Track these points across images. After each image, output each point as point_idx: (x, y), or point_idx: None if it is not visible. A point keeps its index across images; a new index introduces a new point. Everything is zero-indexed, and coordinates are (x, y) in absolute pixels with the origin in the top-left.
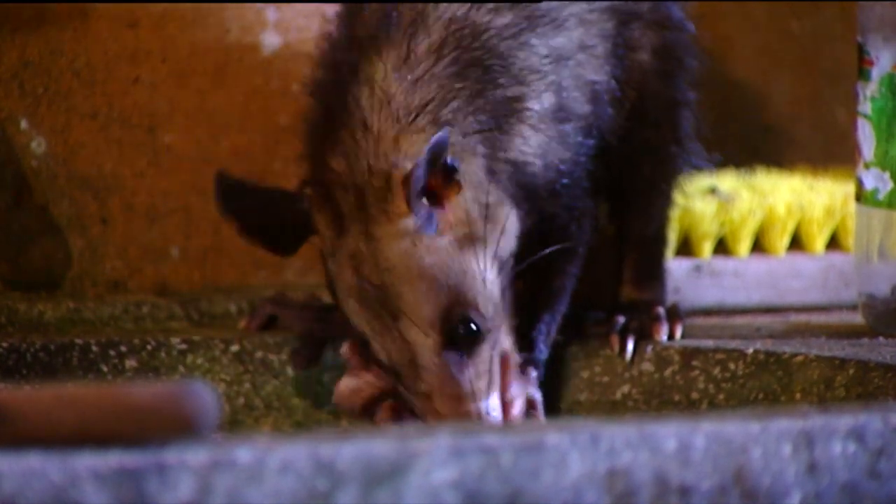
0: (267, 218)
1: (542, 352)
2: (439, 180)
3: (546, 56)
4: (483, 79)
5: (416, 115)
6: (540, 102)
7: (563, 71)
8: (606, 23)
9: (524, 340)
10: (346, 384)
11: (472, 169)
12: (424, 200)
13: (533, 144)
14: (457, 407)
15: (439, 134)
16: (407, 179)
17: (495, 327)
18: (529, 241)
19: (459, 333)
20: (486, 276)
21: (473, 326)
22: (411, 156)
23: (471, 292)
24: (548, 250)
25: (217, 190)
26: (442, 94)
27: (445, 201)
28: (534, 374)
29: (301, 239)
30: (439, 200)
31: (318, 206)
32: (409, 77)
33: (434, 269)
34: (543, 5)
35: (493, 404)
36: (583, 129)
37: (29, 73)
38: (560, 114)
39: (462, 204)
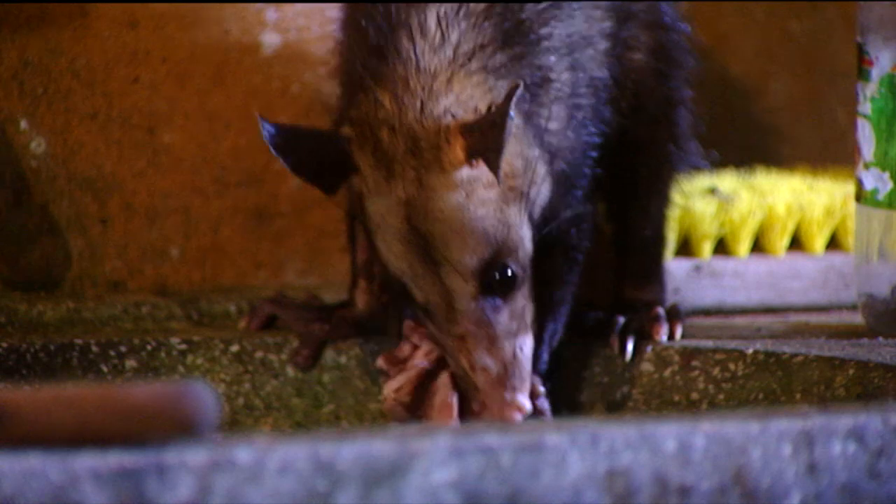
0: (310, 157)
1: (546, 363)
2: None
3: (564, 40)
4: (524, 42)
5: (470, 58)
6: (560, 80)
7: (576, 56)
8: (606, 21)
9: None
10: (389, 387)
11: (520, 122)
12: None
13: (555, 123)
14: (490, 348)
15: (519, 86)
16: (469, 129)
17: (528, 277)
18: (540, 228)
19: (496, 280)
20: (523, 229)
21: (510, 273)
22: (463, 101)
23: (512, 243)
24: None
25: (266, 132)
26: (493, 46)
27: None
28: (542, 388)
29: (342, 177)
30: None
31: (361, 145)
32: (462, 25)
33: (483, 221)
34: None
35: (526, 343)
36: (589, 121)
37: (29, 74)
38: (573, 100)
39: (509, 157)
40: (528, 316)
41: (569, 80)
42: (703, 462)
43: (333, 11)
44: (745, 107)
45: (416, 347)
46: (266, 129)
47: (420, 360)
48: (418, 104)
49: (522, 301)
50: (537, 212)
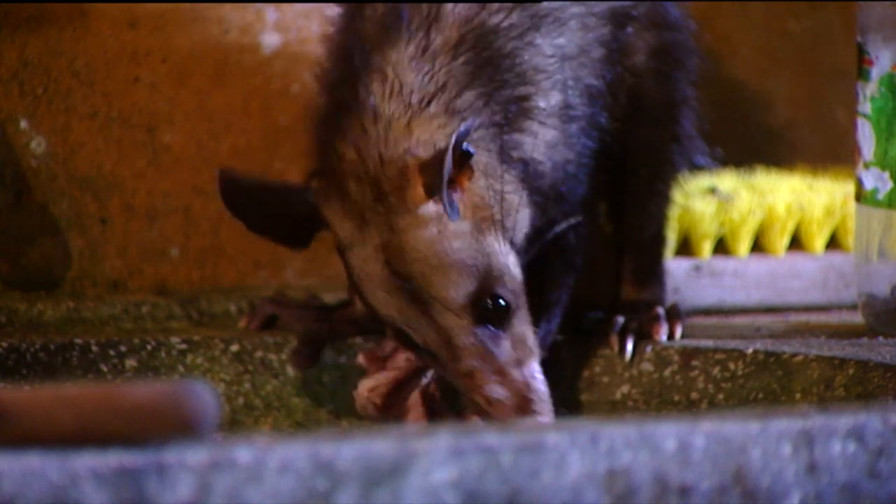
0: (274, 213)
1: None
2: (455, 167)
3: (551, 56)
4: (495, 77)
5: (430, 102)
6: (547, 100)
7: (567, 70)
8: (604, 27)
9: None
10: (364, 385)
11: (483, 158)
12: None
13: (541, 143)
14: (500, 379)
15: (467, 122)
16: (425, 167)
17: (522, 303)
18: (529, 249)
19: (490, 310)
20: (506, 256)
21: (502, 302)
22: (423, 142)
23: (496, 270)
24: (559, 228)
25: (221, 187)
26: (456, 86)
27: (460, 187)
28: None
29: (311, 232)
30: (454, 186)
31: (330, 198)
32: (424, 67)
33: (461, 252)
34: (546, 5)
35: (535, 369)
36: (584, 131)
37: (28, 73)
38: (566, 112)
39: (477, 190)
40: (531, 341)
41: (559, 99)
42: (703, 462)
43: (333, 11)
44: (744, 107)
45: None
46: (222, 184)
47: (401, 363)
48: (377, 152)
49: (521, 327)
50: (519, 237)
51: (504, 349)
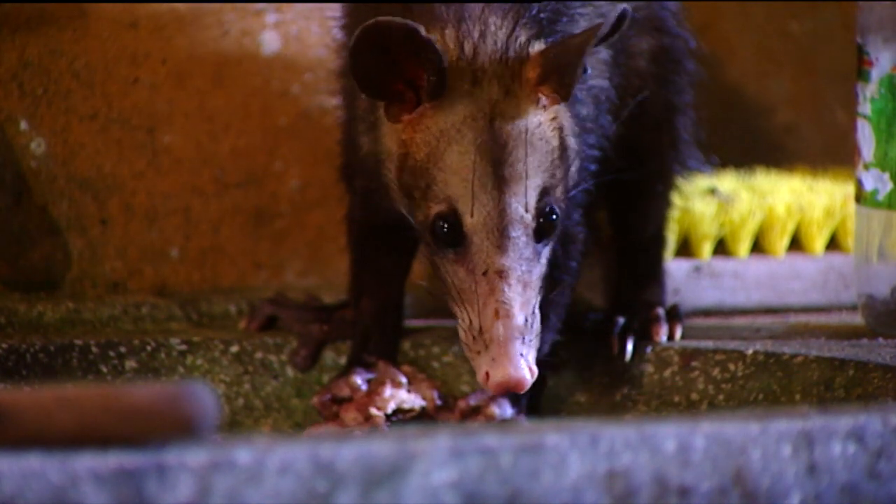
0: (388, 56)
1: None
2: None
3: None
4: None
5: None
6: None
7: None
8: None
9: None
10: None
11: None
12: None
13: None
14: (522, 293)
15: (602, 24)
16: (547, 53)
17: (554, 237)
18: None
19: (543, 220)
20: (568, 182)
21: (554, 216)
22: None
23: (559, 186)
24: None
25: (366, 34)
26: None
27: (557, 94)
28: (507, 410)
29: (398, 82)
30: (552, 90)
31: (447, 48)
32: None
33: (550, 144)
34: (564, 3)
35: (538, 311)
36: (586, 134)
37: (28, 74)
38: (573, 108)
39: (567, 114)
40: (537, 291)
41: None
42: (703, 463)
43: (333, 12)
44: (744, 107)
45: (355, 391)
46: (371, 31)
47: (350, 419)
48: (497, 32)
49: (545, 266)
50: (569, 183)
51: (536, 270)
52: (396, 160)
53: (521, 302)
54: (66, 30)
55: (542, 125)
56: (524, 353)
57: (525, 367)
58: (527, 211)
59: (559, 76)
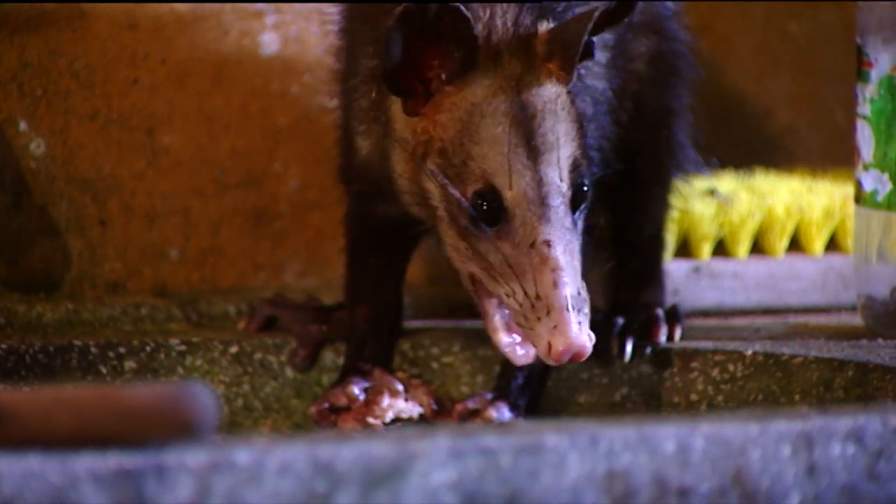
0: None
1: (519, 390)
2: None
3: None
4: None
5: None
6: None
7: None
8: (607, 33)
9: (502, 375)
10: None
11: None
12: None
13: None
14: (570, 262)
15: (598, 9)
16: (558, 32)
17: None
18: None
19: (576, 189)
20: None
21: (585, 188)
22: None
23: (587, 161)
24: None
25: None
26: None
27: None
28: (506, 413)
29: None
30: (560, 67)
31: (477, 22)
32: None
33: (576, 124)
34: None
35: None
36: (586, 136)
37: (28, 75)
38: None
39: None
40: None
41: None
42: (703, 463)
43: (332, 13)
44: (743, 108)
45: (353, 400)
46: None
47: (349, 428)
48: (504, 15)
49: (580, 237)
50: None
51: (576, 239)
52: (417, 150)
53: (572, 271)
54: (66, 30)
55: (562, 97)
56: (581, 321)
57: (586, 335)
58: (561, 180)
59: (564, 53)
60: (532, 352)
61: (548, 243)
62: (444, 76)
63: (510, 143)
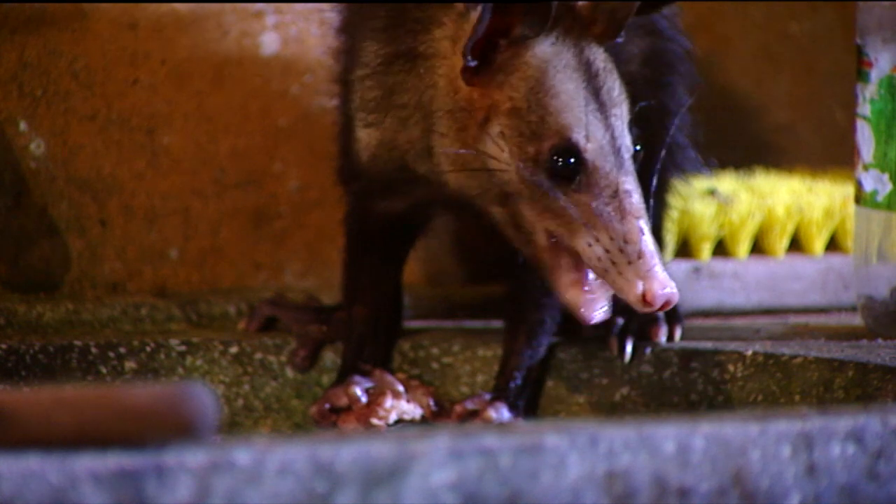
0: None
1: (519, 382)
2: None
3: None
4: None
5: None
6: None
7: None
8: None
9: (501, 375)
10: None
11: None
12: None
13: None
14: (643, 209)
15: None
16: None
17: None
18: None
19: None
20: None
21: (637, 146)
22: None
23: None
24: None
25: None
26: None
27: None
28: (505, 414)
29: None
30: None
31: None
32: None
33: (623, 84)
34: None
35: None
36: None
37: (28, 75)
38: None
39: None
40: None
41: None
42: (703, 463)
43: (332, 13)
44: (744, 108)
45: (355, 401)
46: None
47: (351, 429)
48: None
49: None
50: None
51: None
52: (476, 116)
53: (648, 223)
54: (66, 30)
55: (609, 60)
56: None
57: (670, 286)
58: (625, 135)
59: (610, 18)
60: (604, 309)
61: (628, 192)
62: (509, 40)
63: (585, 98)
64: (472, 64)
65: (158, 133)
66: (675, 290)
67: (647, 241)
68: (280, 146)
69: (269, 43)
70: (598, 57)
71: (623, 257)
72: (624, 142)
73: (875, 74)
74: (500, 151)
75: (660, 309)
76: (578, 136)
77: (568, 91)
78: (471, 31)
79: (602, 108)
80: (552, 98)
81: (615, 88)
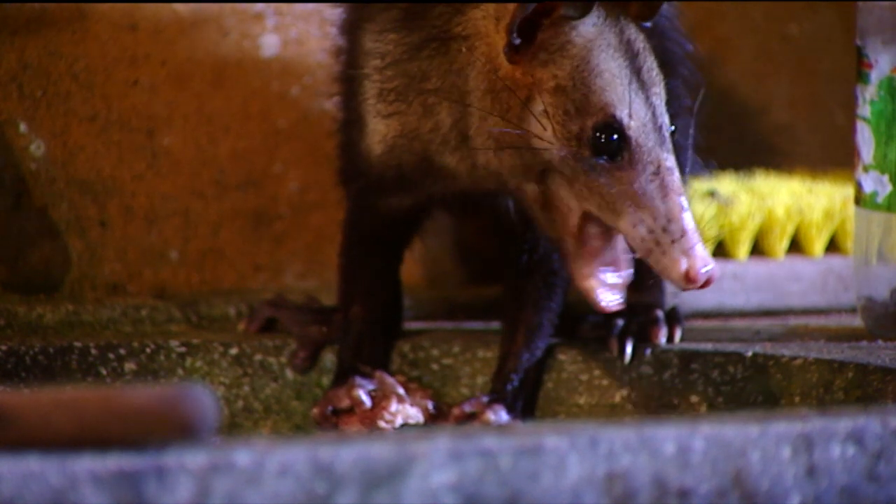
0: None
1: (518, 383)
2: None
3: None
4: None
5: None
6: None
7: None
8: None
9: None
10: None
11: None
12: None
13: None
14: (683, 187)
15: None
16: None
17: None
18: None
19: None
20: None
21: (673, 126)
22: None
23: None
24: None
25: None
26: None
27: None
28: (503, 416)
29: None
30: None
31: None
32: None
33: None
34: None
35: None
36: None
37: (28, 76)
38: None
39: None
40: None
41: None
42: (703, 465)
43: (332, 14)
44: (743, 109)
45: (358, 404)
46: None
47: (355, 431)
48: None
49: None
50: None
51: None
52: (519, 95)
53: (688, 201)
54: (66, 32)
55: (646, 40)
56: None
57: (709, 264)
58: (664, 113)
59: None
60: (619, 298)
61: (670, 169)
62: (551, 19)
63: (628, 76)
64: (517, 42)
65: (158, 134)
66: (716, 268)
67: (689, 218)
68: (280, 147)
69: (269, 45)
70: (638, 37)
71: (667, 236)
72: (664, 120)
73: (875, 76)
74: (543, 130)
75: (702, 286)
76: (622, 114)
77: (611, 70)
78: (515, 9)
79: (643, 86)
80: (596, 77)
81: (654, 68)
